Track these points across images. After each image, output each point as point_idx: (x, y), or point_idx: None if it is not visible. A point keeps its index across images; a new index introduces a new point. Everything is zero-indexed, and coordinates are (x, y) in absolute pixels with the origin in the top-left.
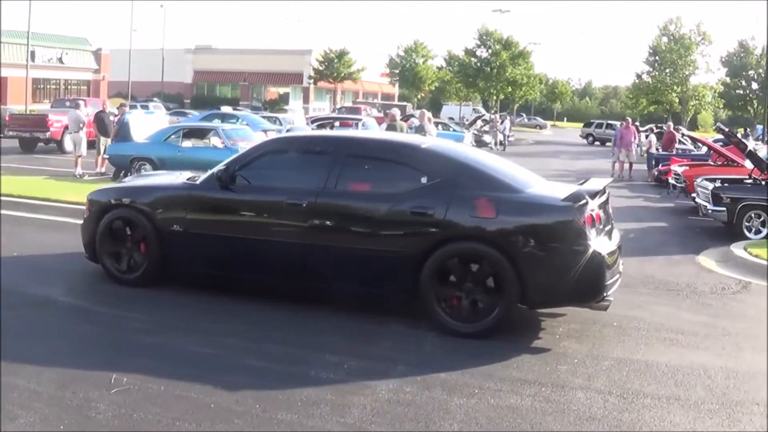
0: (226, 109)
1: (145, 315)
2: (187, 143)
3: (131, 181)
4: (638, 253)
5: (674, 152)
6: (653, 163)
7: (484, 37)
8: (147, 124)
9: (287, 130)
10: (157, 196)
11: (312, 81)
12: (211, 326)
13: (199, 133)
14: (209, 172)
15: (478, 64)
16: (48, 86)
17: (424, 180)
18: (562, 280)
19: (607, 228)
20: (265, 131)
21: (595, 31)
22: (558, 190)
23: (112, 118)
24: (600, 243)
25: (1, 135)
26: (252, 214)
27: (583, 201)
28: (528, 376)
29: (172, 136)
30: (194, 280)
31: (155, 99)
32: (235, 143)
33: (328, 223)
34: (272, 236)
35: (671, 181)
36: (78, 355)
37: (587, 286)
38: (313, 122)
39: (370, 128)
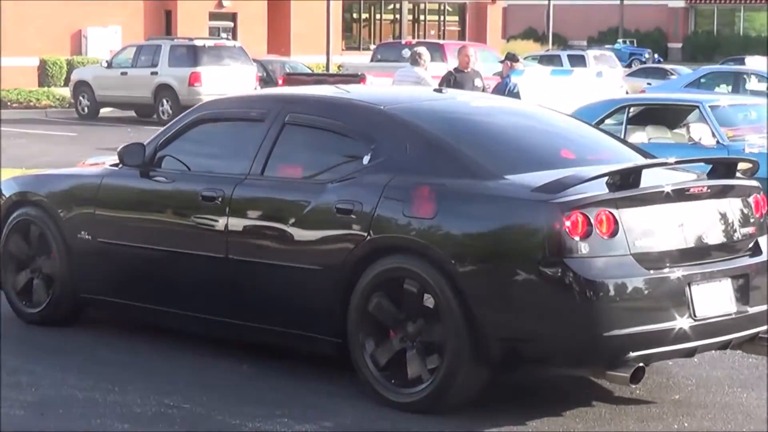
0: (752, 62)
1: None
2: (638, 135)
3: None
4: None
5: None
6: None
7: None
8: (557, 92)
9: None
10: (67, 188)
11: None
12: None
13: (664, 115)
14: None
15: None
16: (376, 18)
17: (366, 160)
18: (528, 325)
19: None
20: None
21: None
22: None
23: (478, 83)
24: (606, 266)
25: None
26: (163, 213)
27: (569, 193)
28: None
29: (608, 120)
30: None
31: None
32: (738, 135)
33: (246, 226)
34: (180, 247)
35: None
36: None
37: (575, 338)
38: None
39: None
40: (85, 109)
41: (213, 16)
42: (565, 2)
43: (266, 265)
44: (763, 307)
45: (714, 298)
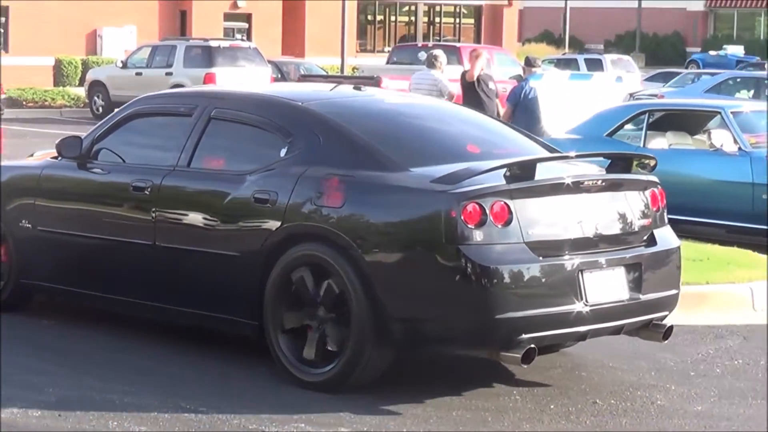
0: None
1: None
2: (658, 141)
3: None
4: None
5: None
6: None
7: None
8: (576, 98)
9: None
10: (11, 179)
11: None
12: None
13: (685, 121)
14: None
15: None
16: (391, 20)
17: (283, 152)
18: (428, 308)
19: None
20: None
21: None
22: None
23: (492, 86)
24: (499, 253)
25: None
26: (98, 203)
27: (465, 184)
28: None
29: (628, 126)
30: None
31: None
32: (760, 141)
33: (171, 216)
34: (113, 235)
35: None
36: None
37: (470, 320)
38: None
39: None
40: (100, 109)
41: (228, 17)
42: (582, 5)
43: (191, 252)
44: (656, 295)
45: (606, 286)
